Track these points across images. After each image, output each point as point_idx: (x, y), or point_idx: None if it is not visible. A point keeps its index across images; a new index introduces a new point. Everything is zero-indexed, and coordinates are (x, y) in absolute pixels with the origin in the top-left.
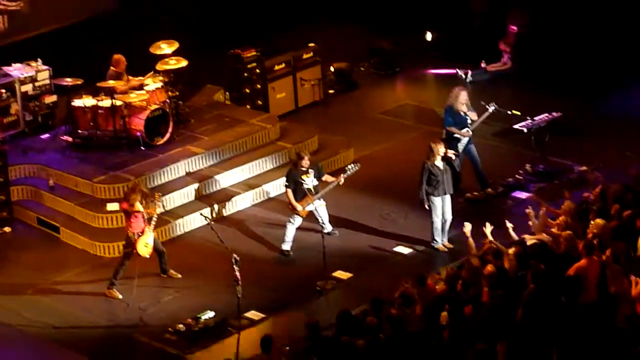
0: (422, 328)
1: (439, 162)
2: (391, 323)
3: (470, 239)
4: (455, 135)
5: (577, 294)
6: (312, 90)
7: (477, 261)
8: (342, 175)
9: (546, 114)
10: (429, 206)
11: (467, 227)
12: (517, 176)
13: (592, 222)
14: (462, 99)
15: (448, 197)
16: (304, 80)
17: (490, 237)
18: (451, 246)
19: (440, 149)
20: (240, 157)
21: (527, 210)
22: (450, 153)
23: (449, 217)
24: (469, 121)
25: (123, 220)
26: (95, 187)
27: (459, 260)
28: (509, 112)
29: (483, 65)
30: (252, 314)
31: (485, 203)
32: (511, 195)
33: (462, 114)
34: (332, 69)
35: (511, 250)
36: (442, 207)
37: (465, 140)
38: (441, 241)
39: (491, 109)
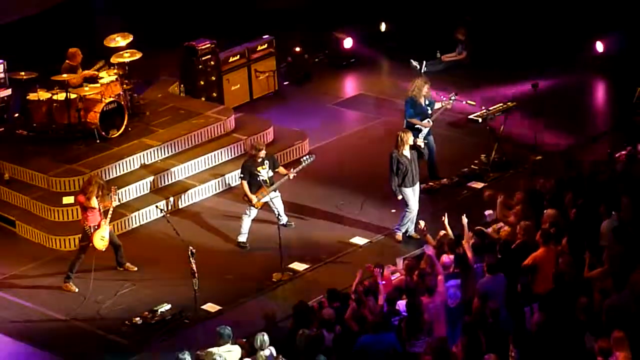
0: (382, 318)
1: (406, 152)
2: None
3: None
4: (417, 126)
5: (533, 283)
6: (266, 81)
7: (433, 251)
8: (296, 167)
9: (501, 104)
10: (402, 197)
11: (422, 224)
12: (472, 166)
13: (545, 212)
14: (424, 91)
15: (417, 187)
16: (259, 72)
17: (448, 228)
18: (417, 237)
19: (409, 139)
20: (196, 150)
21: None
22: (419, 142)
23: (416, 207)
24: (429, 112)
25: (79, 214)
26: (51, 180)
27: (415, 251)
28: (464, 102)
29: (438, 55)
30: (209, 306)
31: (441, 193)
32: (467, 185)
33: (423, 105)
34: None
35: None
36: (414, 197)
37: (425, 131)
38: (409, 231)
39: (453, 99)
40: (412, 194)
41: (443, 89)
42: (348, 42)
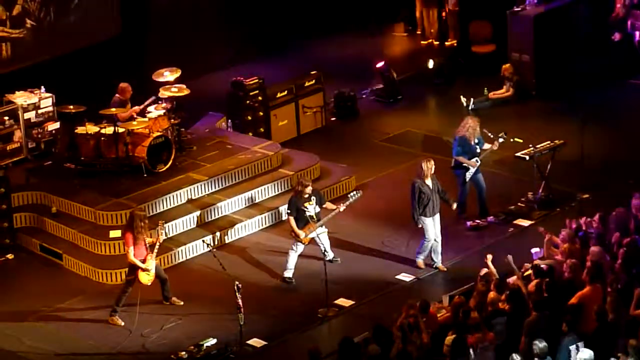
0: (427, 355)
1: (429, 182)
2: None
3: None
4: (464, 164)
5: (579, 322)
6: (314, 117)
7: (483, 287)
8: (343, 202)
9: (548, 142)
10: (422, 226)
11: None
12: (519, 204)
13: (590, 250)
14: (472, 129)
15: (437, 217)
16: (306, 107)
17: (492, 267)
18: (445, 269)
19: (432, 168)
20: (243, 185)
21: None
22: (467, 177)
23: (439, 238)
24: (478, 151)
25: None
26: (98, 214)
27: (462, 287)
28: (511, 140)
29: (485, 92)
30: (254, 342)
31: (488, 230)
32: (513, 223)
33: (471, 143)
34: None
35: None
36: (433, 227)
37: (473, 169)
38: (436, 262)
39: (501, 139)
40: (431, 224)
41: (491, 127)
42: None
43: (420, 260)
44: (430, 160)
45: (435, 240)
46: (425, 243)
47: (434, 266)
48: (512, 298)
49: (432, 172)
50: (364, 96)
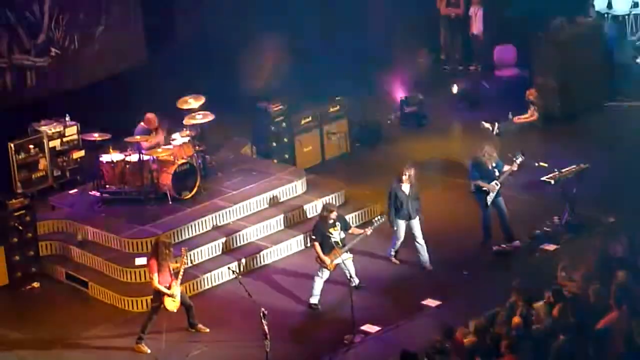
0: None
1: (405, 187)
2: None
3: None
4: (484, 188)
5: (605, 347)
6: (338, 143)
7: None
8: (369, 227)
9: (574, 166)
10: (395, 228)
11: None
12: (545, 228)
13: (616, 274)
14: (494, 156)
15: (416, 222)
16: (331, 133)
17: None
18: (430, 268)
19: (410, 175)
20: (268, 211)
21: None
22: (489, 201)
23: (421, 240)
24: (496, 174)
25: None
26: (124, 241)
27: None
28: (536, 164)
29: (510, 116)
30: None
31: (513, 255)
32: (539, 248)
33: (489, 167)
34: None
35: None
36: (405, 230)
37: (493, 193)
38: (423, 262)
39: (518, 160)
40: (402, 226)
41: (514, 151)
42: (421, 103)
43: (392, 256)
44: (411, 168)
45: (418, 242)
46: (395, 242)
47: (422, 266)
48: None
49: (411, 178)
50: (389, 122)
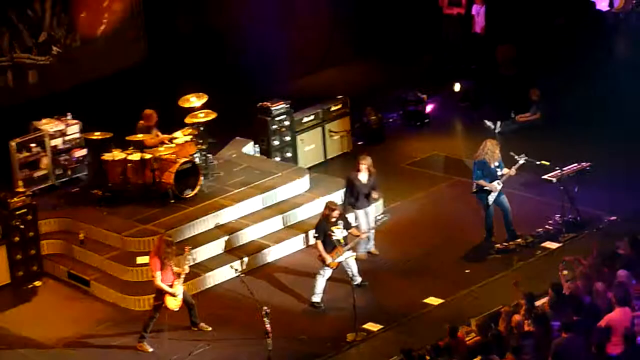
0: None
1: (362, 176)
2: None
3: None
4: (486, 187)
5: (607, 344)
6: (340, 141)
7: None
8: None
9: (575, 164)
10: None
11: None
12: (546, 226)
13: (618, 273)
14: (496, 154)
15: (370, 210)
16: (333, 132)
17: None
18: (377, 252)
19: (366, 164)
20: (270, 210)
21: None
22: (490, 202)
23: (372, 226)
24: (499, 173)
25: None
26: (125, 240)
27: (489, 311)
28: (538, 163)
29: (512, 115)
30: None
31: (515, 253)
32: (541, 246)
33: (491, 167)
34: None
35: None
36: (364, 219)
37: (495, 193)
38: (369, 248)
39: (521, 160)
40: (363, 215)
41: (516, 150)
42: (422, 102)
43: (361, 253)
44: (367, 158)
45: (367, 231)
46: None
47: (368, 251)
48: (539, 320)
49: (368, 168)
50: (390, 120)
